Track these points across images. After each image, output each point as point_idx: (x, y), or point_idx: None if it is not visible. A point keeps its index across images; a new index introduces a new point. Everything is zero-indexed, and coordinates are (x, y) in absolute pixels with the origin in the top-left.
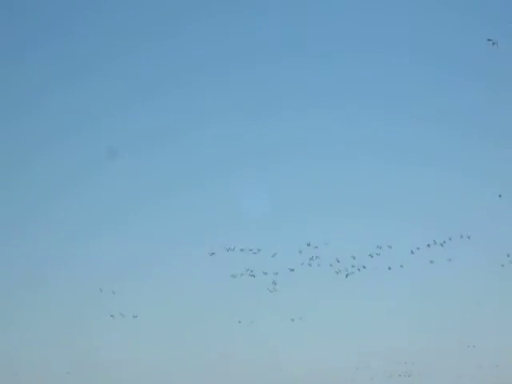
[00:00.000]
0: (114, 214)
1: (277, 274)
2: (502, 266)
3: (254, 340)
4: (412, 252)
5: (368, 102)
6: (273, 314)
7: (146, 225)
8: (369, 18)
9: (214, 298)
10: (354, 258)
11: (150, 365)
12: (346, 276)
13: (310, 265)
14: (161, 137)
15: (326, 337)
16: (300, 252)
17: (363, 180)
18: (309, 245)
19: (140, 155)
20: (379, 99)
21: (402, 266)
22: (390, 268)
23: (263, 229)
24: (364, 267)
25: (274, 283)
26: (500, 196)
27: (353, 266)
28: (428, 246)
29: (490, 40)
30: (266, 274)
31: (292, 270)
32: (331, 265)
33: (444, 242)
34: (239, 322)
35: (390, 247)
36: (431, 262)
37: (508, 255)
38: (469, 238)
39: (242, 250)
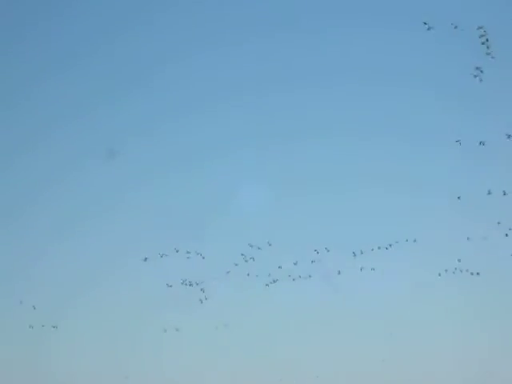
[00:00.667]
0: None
1: (203, 282)
2: (439, 275)
3: (177, 348)
4: (354, 255)
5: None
6: (199, 321)
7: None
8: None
9: (143, 307)
10: (295, 263)
11: (72, 375)
12: (274, 282)
13: (247, 274)
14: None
15: (248, 344)
16: (242, 255)
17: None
18: (251, 246)
19: None
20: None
21: (339, 273)
22: (326, 274)
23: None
24: (299, 276)
25: (203, 290)
26: (459, 198)
27: (289, 276)
28: (372, 250)
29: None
30: (198, 283)
31: (228, 272)
32: (269, 274)
33: (390, 246)
34: (165, 330)
35: (328, 251)
36: (372, 269)
37: (457, 260)
38: (415, 241)
39: (177, 251)
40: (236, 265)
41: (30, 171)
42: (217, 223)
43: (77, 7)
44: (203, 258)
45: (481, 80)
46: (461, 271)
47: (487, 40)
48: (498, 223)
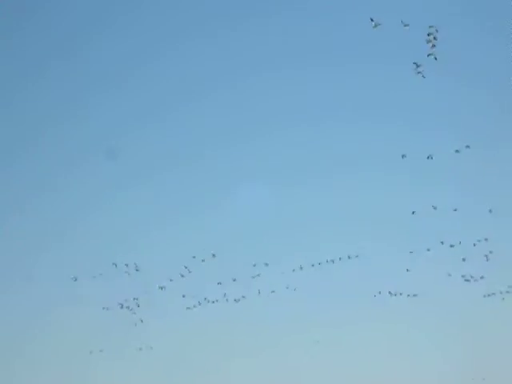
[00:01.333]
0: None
1: (138, 299)
2: (375, 296)
3: (102, 369)
4: (294, 271)
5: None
6: (126, 343)
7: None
8: None
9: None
10: (234, 280)
11: None
12: (199, 305)
13: (182, 295)
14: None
15: (170, 367)
16: (186, 267)
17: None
18: (194, 257)
19: None
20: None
21: (273, 292)
22: (259, 292)
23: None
24: (234, 300)
25: (133, 311)
26: (413, 213)
27: (224, 296)
28: (312, 265)
29: (372, 20)
30: (131, 308)
31: (162, 287)
32: (205, 298)
33: (332, 261)
34: (90, 352)
35: (267, 265)
36: (295, 289)
37: (396, 281)
38: (357, 257)
39: (115, 264)
40: (171, 280)
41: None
42: (161, 234)
43: (71, 3)
44: (138, 270)
45: (423, 76)
46: (400, 294)
47: (435, 38)
48: (442, 243)
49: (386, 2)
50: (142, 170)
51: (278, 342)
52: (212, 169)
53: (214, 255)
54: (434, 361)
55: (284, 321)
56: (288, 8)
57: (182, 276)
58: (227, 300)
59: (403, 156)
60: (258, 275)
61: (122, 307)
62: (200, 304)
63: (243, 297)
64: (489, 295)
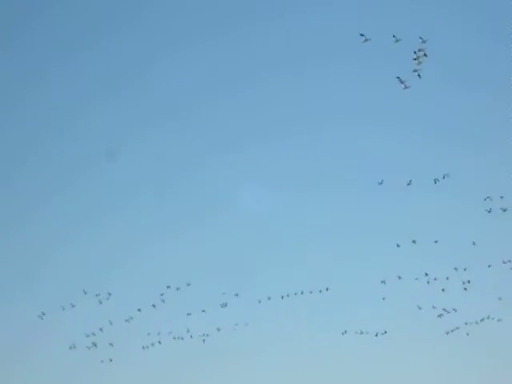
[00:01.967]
0: None
1: (103, 331)
2: (342, 334)
3: None
4: (259, 302)
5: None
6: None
7: None
8: None
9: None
10: (204, 311)
11: None
12: (152, 346)
13: (147, 333)
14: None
15: None
16: (162, 294)
17: None
18: (169, 287)
19: None
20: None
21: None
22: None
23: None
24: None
25: (95, 345)
26: (398, 244)
27: (188, 332)
28: (282, 297)
29: (362, 35)
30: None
31: (128, 320)
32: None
33: (302, 293)
34: None
35: (237, 296)
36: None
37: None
38: (327, 290)
39: (85, 292)
40: (139, 310)
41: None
42: (137, 262)
43: (71, 8)
44: (108, 299)
45: (406, 87)
46: (366, 333)
47: (425, 55)
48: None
49: (379, 16)
50: (116, 200)
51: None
52: (184, 197)
53: (188, 284)
54: None
55: (243, 358)
56: (278, 27)
57: (154, 306)
58: (191, 336)
59: (380, 183)
60: (226, 305)
61: (89, 348)
62: (160, 343)
63: (206, 335)
64: (452, 331)
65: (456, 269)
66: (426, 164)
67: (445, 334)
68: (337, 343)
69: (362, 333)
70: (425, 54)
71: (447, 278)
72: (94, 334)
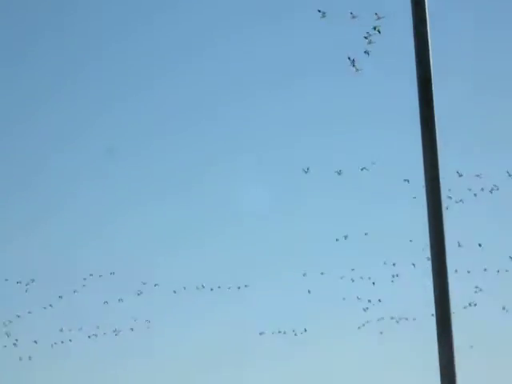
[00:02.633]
0: None
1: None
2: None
3: None
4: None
5: None
6: None
7: None
8: None
9: None
10: (120, 300)
11: None
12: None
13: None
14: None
15: None
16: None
17: None
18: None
19: None
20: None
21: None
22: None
23: None
24: None
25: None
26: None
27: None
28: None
29: (319, 11)
30: None
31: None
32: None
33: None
34: None
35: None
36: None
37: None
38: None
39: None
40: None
41: None
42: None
43: (77, 9)
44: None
45: (357, 70)
46: (284, 333)
47: (379, 31)
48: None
49: None
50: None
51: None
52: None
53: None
54: None
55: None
56: None
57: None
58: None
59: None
60: (141, 292)
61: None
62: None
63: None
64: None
65: (385, 263)
66: (353, 153)
67: (363, 328)
68: (255, 343)
69: (280, 332)
70: (378, 31)
71: (373, 274)
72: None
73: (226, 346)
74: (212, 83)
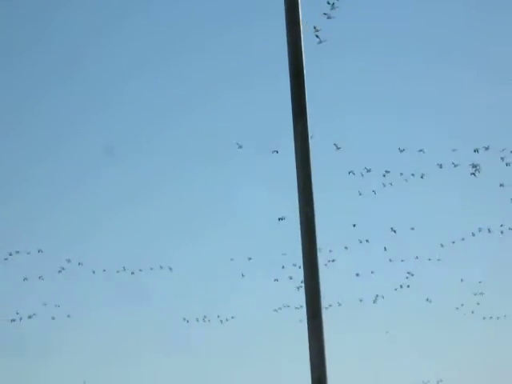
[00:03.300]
0: None
1: None
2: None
3: None
4: None
5: None
6: None
7: None
8: None
9: None
10: (40, 277)
11: None
12: None
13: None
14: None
15: None
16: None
17: None
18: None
19: None
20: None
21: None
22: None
23: None
24: None
25: None
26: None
27: None
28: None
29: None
30: None
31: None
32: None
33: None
34: None
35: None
36: None
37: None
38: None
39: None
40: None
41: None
42: None
43: (73, 6)
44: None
45: (320, 42)
46: (208, 321)
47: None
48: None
49: None
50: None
51: None
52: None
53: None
54: None
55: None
56: None
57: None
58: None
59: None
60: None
61: None
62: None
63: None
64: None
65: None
66: None
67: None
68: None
69: (205, 319)
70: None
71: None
72: None
73: (147, 329)
74: (211, 80)
